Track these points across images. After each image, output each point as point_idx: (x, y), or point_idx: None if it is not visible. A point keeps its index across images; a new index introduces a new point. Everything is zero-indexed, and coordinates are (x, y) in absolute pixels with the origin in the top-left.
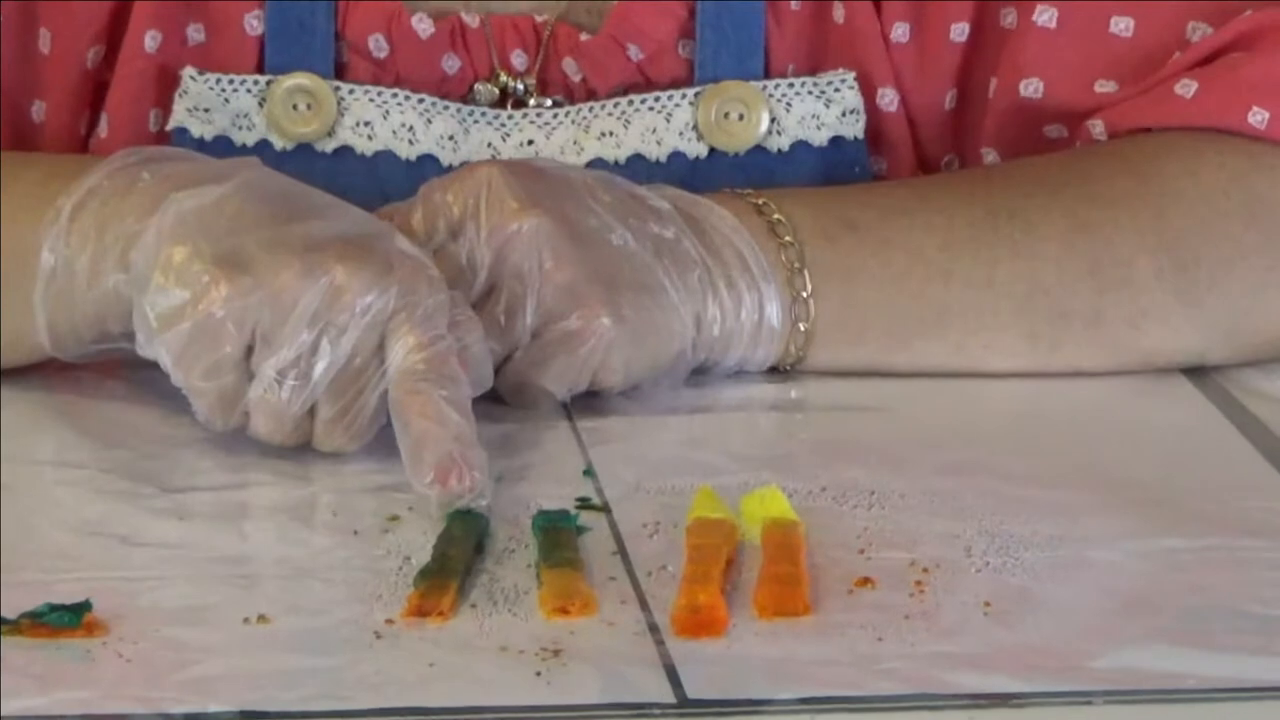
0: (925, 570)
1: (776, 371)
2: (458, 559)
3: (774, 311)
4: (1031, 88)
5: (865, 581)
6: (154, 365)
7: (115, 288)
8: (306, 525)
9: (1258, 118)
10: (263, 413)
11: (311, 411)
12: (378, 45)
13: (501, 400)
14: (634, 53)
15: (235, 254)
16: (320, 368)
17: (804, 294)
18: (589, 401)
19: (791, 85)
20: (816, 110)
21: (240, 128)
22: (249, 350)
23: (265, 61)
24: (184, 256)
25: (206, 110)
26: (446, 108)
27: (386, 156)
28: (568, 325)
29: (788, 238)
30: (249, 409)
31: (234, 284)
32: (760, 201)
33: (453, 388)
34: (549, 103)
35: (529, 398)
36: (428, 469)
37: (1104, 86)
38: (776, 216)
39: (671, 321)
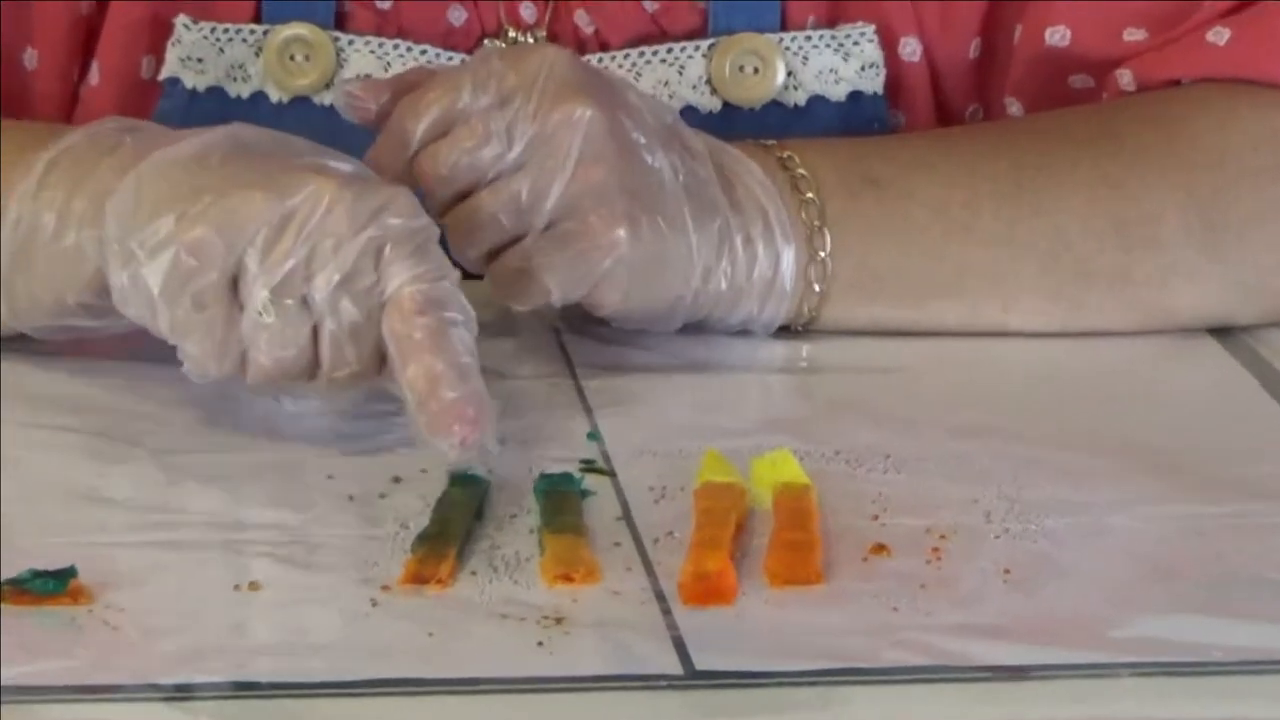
0: (942, 537)
1: (788, 331)
2: (457, 524)
3: (788, 272)
4: (1058, 35)
5: (880, 549)
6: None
7: (79, 244)
8: (300, 489)
9: None
10: (264, 339)
11: (314, 345)
12: None
13: (501, 374)
14: (648, 3)
15: (220, 183)
16: (321, 279)
17: (822, 254)
18: (594, 360)
19: (809, 38)
20: (834, 64)
21: (235, 79)
22: (235, 282)
23: (262, 10)
24: (168, 190)
25: (200, 60)
26: (451, 60)
27: None
28: (585, 224)
29: (810, 194)
30: (247, 343)
31: (219, 203)
32: (785, 155)
33: (461, 327)
34: None
35: (520, 290)
36: (446, 420)
37: (1133, 35)
38: (800, 171)
39: (681, 264)
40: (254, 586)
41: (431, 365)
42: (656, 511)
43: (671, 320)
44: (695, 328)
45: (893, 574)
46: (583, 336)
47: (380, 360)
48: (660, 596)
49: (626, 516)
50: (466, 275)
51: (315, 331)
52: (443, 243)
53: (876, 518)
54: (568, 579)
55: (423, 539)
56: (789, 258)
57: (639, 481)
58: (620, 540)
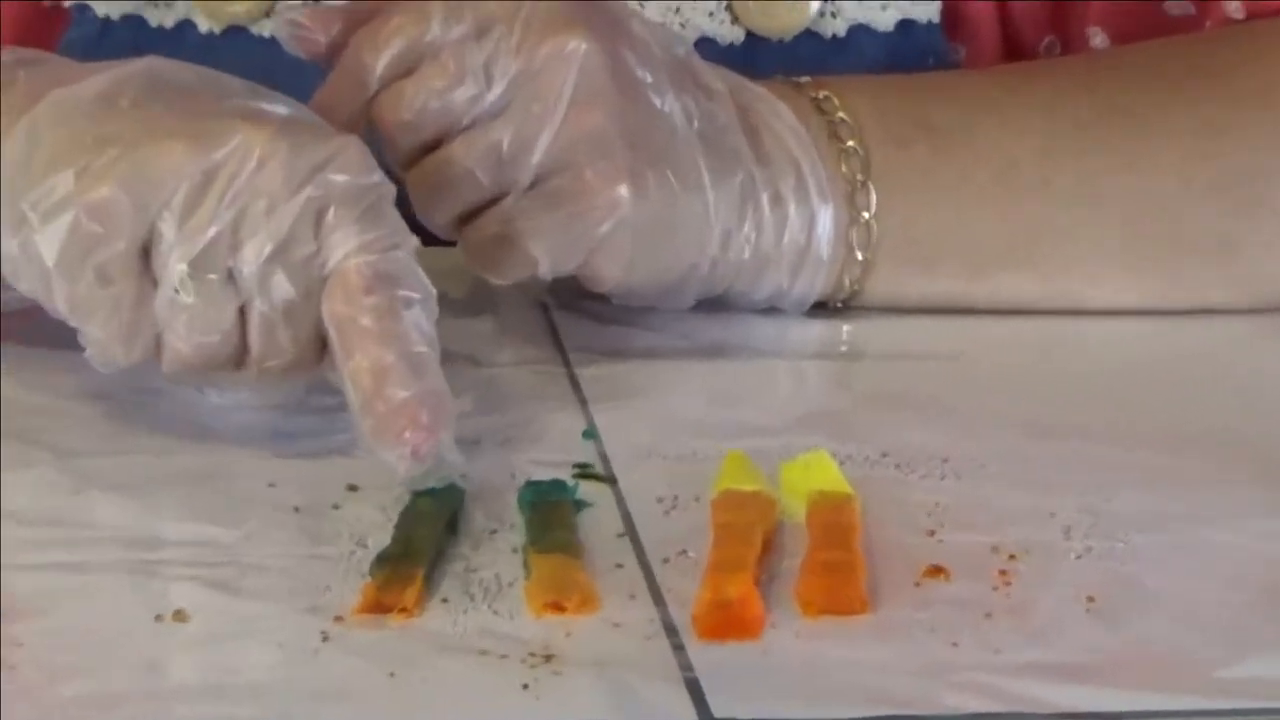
0: (1011, 557)
1: (824, 308)
2: (425, 542)
3: (824, 237)
4: None
5: (937, 571)
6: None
7: None
8: (233, 499)
9: None
10: (181, 321)
11: (242, 328)
12: None
13: (477, 361)
14: None
15: (130, 132)
16: (250, 249)
17: (866, 215)
18: (590, 343)
19: None
20: None
21: (156, 5)
22: (147, 252)
23: None
24: (67, 139)
25: None
26: None
27: None
28: (580, 180)
29: (851, 142)
30: (161, 326)
31: (128, 156)
32: (820, 95)
33: (417, 307)
34: None
35: (500, 260)
36: (394, 424)
37: None
38: (840, 115)
39: (697, 226)
40: (179, 617)
41: (379, 357)
42: (666, 526)
43: (684, 295)
44: (712, 304)
45: (952, 601)
46: (576, 315)
47: (321, 346)
48: (671, 629)
49: (630, 532)
50: (434, 242)
51: (243, 312)
52: (405, 204)
53: (932, 533)
54: (559, 608)
55: (384, 560)
56: (826, 219)
57: (644, 490)
58: (622, 561)
